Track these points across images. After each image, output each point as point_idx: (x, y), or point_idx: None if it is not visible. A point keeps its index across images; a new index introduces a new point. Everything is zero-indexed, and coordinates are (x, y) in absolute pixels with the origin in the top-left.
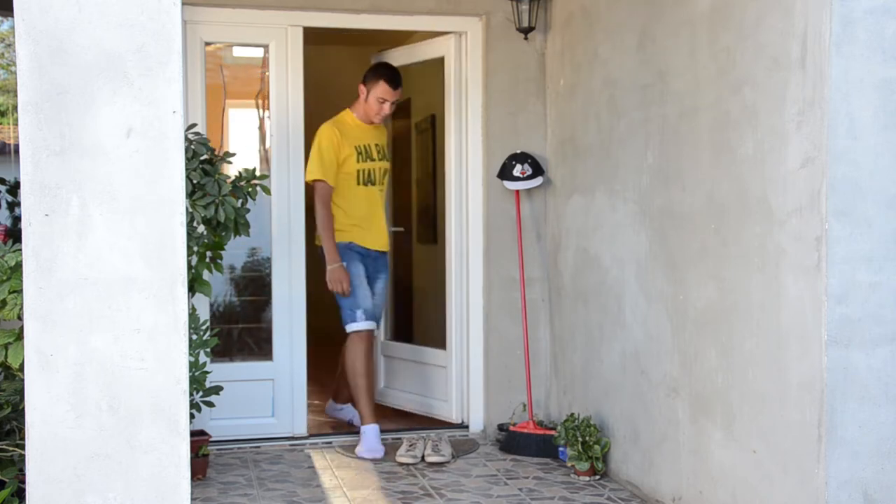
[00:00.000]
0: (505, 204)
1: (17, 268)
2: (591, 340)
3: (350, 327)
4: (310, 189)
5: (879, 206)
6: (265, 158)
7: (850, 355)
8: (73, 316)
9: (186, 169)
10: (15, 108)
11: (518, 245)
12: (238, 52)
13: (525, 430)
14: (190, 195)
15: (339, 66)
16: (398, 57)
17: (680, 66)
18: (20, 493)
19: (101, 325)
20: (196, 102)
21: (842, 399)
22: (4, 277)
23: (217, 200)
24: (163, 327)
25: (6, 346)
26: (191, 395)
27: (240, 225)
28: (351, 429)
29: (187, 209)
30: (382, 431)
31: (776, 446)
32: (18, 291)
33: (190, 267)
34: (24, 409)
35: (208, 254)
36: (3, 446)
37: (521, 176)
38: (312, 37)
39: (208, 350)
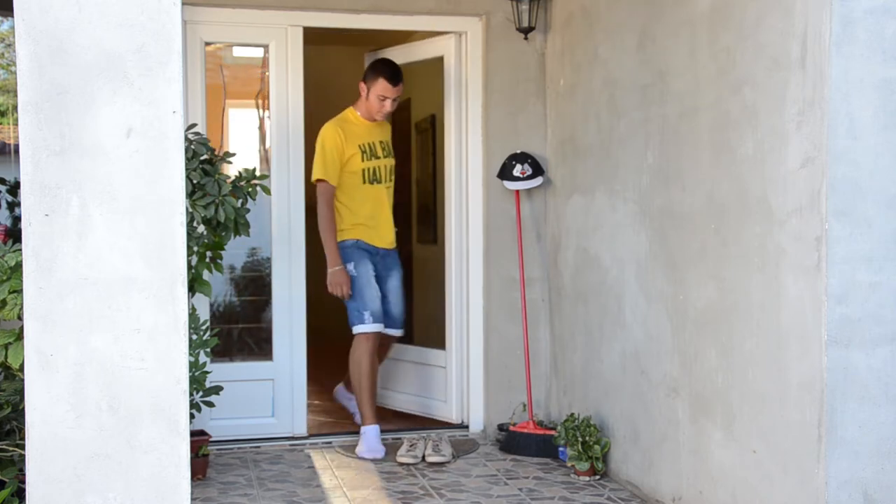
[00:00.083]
0: (505, 204)
1: (17, 268)
2: (591, 340)
3: (357, 329)
4: (313, 189)
5: (879, 206)
6: (265, 158)
7: (850, 355)
8: (73, 316)
9: (186, 169)
10: (15, 108)
11: (518, 245)
12: (238, 52)
13: (525, 430)
14: (190, 195)
15: (339, 66)
16: (397, 56)
17: (680, 66)
18: (20, 493)
19: (101, 325)
20: (196, 102)
21: (842, 399)
22: (4, 277)
23: (217, 200)
24: (163, 327)
25: (6, 346)
26: (191, 395)
27: (240, 225)
28: (351, 429)
29: (187, 209)
30: (383, 431)
31: (776, 446)
32: (18, 291)
33: (190, 267)
34: (24, 409)
35: (208, 254)
36: (3, 446)
37: (521, 176)
38: (312, 37)
39: (208, 350)
